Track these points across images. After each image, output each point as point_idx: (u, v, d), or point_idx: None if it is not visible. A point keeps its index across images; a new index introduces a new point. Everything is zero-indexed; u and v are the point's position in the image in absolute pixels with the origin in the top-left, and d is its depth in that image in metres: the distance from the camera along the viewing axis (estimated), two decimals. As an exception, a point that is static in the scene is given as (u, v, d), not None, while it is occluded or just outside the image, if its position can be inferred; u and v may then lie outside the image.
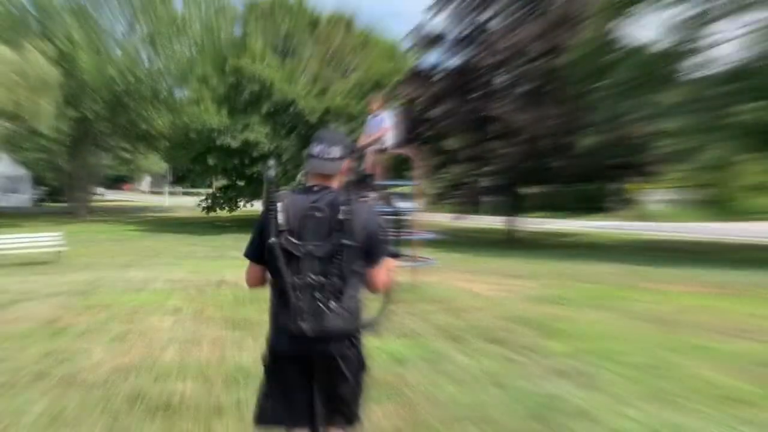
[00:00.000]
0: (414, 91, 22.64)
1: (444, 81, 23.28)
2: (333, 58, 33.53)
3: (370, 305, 2.79)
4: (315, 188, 2.71)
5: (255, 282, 2.85)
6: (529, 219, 25.81)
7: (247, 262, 2.79)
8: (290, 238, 2.58)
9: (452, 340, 6.21)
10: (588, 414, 4.13)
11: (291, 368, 2.68)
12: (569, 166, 21.72)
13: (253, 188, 31.81)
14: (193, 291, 9.21)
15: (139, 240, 24.80)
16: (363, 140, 9.30)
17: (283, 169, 30.31)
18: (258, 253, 2.69)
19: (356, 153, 9.14)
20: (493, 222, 28.10)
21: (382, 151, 9.37)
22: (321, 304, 2.53)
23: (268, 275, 2.69)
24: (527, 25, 21.74)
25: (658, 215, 35.84)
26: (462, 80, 23.00)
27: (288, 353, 2.65)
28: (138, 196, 65.85)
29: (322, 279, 2.54)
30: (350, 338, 2.64)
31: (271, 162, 3.32)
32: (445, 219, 26.07)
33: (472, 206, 23.72)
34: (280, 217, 2.59)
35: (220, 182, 38.53)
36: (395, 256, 3.02)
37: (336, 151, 2.74)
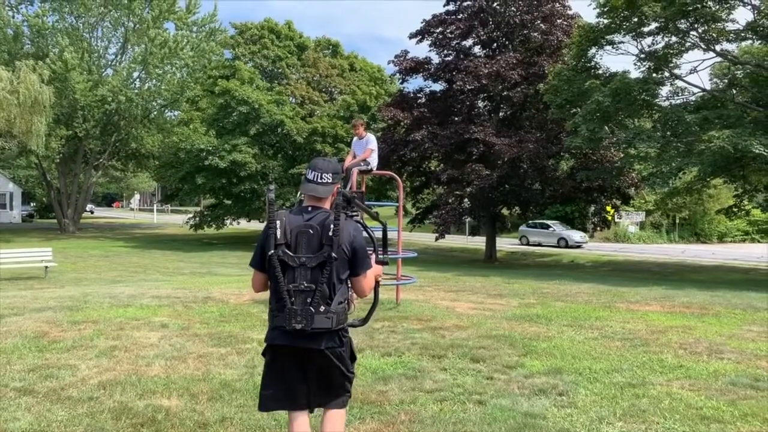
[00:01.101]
0: (397, 114, 23.03)
1: (427, 105, 23.75)
2: (320, 81, 33.94)
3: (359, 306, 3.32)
4: (309, 208, 3.09)
5: (259, 287, 3.19)
6: (509, 239, 26.05)
7: (252, 271, 3.15)
8: (286, 250, 2.94)
9: (435, 359, 6.32)
10: (567, 432, 4.23)
11: (287, 361, 3.03)
12: (547, 188, 22.19)
13: (240, 207, 32.00)
14: (179, 307, 9.30)
15: (127, 256, 24.79)
16: (348, 161, 9.47)
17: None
18: (261, 264, 3.05)
19: (342, 173, 9.25)
20: (474, 241, 28.30)
21: (367, 171, 9.54)
22: (312, 308, 2.88)
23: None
24: (508, 52, 22.35)
25: (631, 237, 36.28)
26: (444, 105, 23.48)
27: (284, 348, 2.99)
28: (127, 214, 65.67)
29: (313, 286, 2.90)
30: (338, 336, 3.02)
31: (272, 186, 3.64)
32: (426, 238, 26.25)
33: (453, 226, 24.02)
34: (278, 233, 2.96)
35: (208, 201, 38.61)
36: (383, 263, 3.52)
37: (328, 177, 3.10)
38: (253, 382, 5.29)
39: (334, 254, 2.90)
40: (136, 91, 33.40)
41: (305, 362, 3.00)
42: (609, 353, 6.70)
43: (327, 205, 3.12)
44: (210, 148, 29.17)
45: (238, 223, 36.08)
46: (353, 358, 3.19)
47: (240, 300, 10.17)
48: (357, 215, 3.91)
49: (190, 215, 35.28)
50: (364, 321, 3.39)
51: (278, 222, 2.98)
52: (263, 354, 3.10)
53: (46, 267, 16.56)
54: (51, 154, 32.29)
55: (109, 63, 36.10)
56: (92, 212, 60.12)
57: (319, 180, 3.08)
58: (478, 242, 26.92)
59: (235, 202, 32.22)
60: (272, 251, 2.92)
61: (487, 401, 4.88)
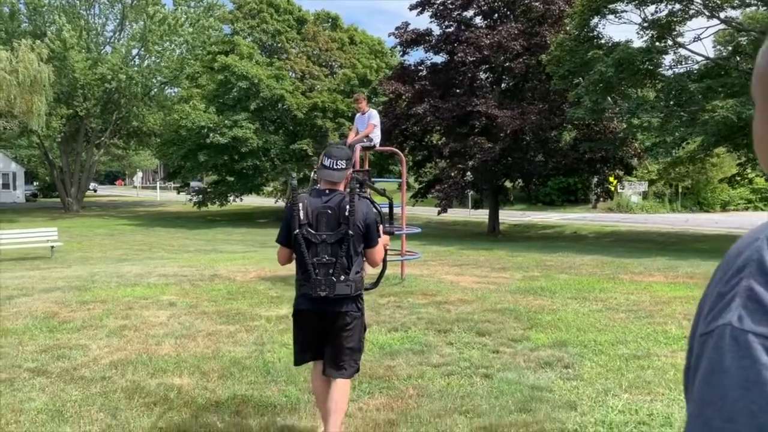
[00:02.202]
0: (399, 88, 22.87)
1: (428, 77, 23.55)
2: (320, 55, 33.67)
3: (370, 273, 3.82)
4: (326, 191, 3.59)
5: (285, 260, 3.75)
6: (512, 211, 26.01)
7: (278, 246, 3.71)
8: (309, 229, 3.47)
9: (441, 333, 6.39)
10: (574, 405, 4.27)
11: (312, 323, 3.58)
12: (550, 160, 22.10)
13: (242, 184, 31.96)
14: (187, 285, 9.38)
15: (131, 234, 24.89)
16: (351, 137, 9.45)
17: (271, 164, 30.41)
18: (287, 240, 3.58)
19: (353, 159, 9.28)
20: (476, 215, 28.32)
21: (370, 147, 9.53)
22: (334, 278, 3.43)
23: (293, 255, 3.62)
24: (509, 23, 22.09)
25: (634, 207, 36.27)
26: (446, 77, 23.29)
27: (310, 313, 3.54)
28: (130, 192, 65.73)
29: (333, 259, 3.45)
30: (355, 302, 3.57)
31: (294, 174, 3.94)
32: (429, 212, 26.27)
33: (456, 199, 24.02)
34: (302, 214, 3.47)
35: (211, 177, 38.59)
36: (390, 233, 4.18)
37: (342, 163, 3.61)
38: (263, 359, 5.37)
39: (350, 231, 3.44)
40: (135, 68, 33.21)
41: (327, 324, 3.54)
42: (613, 325, 6.76)
43: (341, 188, 3.63)
44: (211, 125, 29.07)
45: (241, 200, 36.10)
46: (364, 327, 3.72)
47: (246, 277, 10.24)
48: (366, 193, 4.27)
49: (194, 192, 35.33)
50: (375, 285, 4.10)
51: (301, 204, 3.49)
52: (293, 316, 3.68)
53: (52, 247, 16.65)
54: (52, 133, 32.25)
55: (108, 40, 35.85)
56: (95, 190, 60.22)
57: (334, 166, 3.58)
58: (481, 215, 26.93)
59: (237, 179, 32.21)
60: (297, 230, 3.46)
61: (494, 375, 4.95)
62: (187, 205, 37.96)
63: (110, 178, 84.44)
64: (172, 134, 32.70)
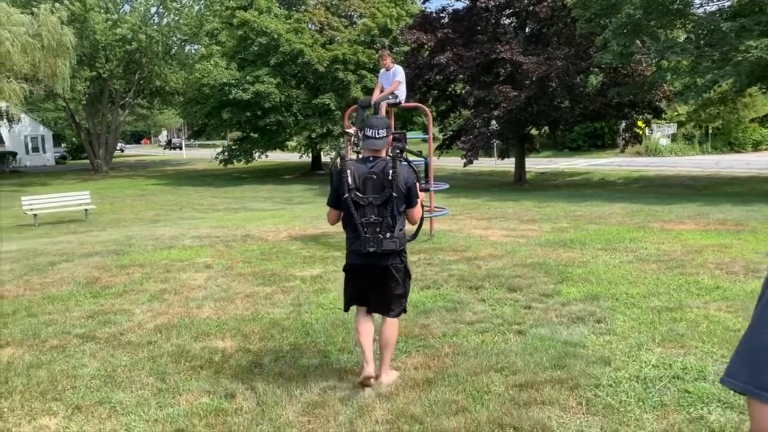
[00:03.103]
0: (421, 37, 22.47)
1: (450, 25, 23.06)
2: (338, 5, 33.10)
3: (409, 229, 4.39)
4: (370, 158, 4.05)
5: (335, 220, 4.19)
6: (538, 159, 25.64)
7: (327, 208, 4.20)
8: (357, 193, 3.92)
9: (472, 290, 6.43)
10: (607, 360, 4.33)
11: (362, 276, 4.08)
12: (577, 106, 21.68)
13: (267, 140, 32.05)
14: (221, 246, 9.58)
15: (161, 194, 25.32)
16: (376, 94, 9.41)
17: (294, 119, 30.37)
18: (336, 203, 4.03)
19: (371, 107, 9.29)
20: (502, 164, 28.12)
21: (395, 104, 9.49)
22: (380, 235, 3.90)
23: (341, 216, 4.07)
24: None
25: (663, 149, 35.61)
26: (468, 24, 22.78)
27: (360, 266, 4.05)
28: (157, 150, 66.36)
29: (380, 218, 3.92)
30: (399, 255, 4.05)
31: (342, 143, 4.55)
32: (454, 163, 26.13)
33: (482, 150, 23.81)
34: (350, 180, 3.92)
35: (235, 134, 38.72)
36: (426, 190, 5.15)
37: (382, 132, 4.04)
38: (301, 320, 5.53)
39: (394, 193, 3.89)
40: (155, 27, 33.06)
41: (375, 276, 4.03)
42: (645, 277, 6.78)
43: (383, 154, 4.07)
44: (233, 81, 29.04)
45: (267, 156, 36.25)
46: (409, 275, 4.20)
47: (278, 237, 10.42)
48: (404, 146, 5.46)
49: (219, 150, 35.55)
50: (414, 237, 4.65)
51: (348, 171, 3.93)
52: (344, 269, 4.18)
53: (86, 210, 17.05)
54: (77, 96, 32.51)
55: (127, 1, 35.67)
56: (122, 150, 60.89)
57: (376, 135, 4.01)
58: (507, 164, 26.74)
59: (261, 136, 32.29)
60: (346, 195, 3.90)
61: (527, 331, 5.04)
62: (213, 163, 38.30)
63: (136, 138, 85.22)
64: (194, 92, 32.76)
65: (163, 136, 64.94)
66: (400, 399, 3.86)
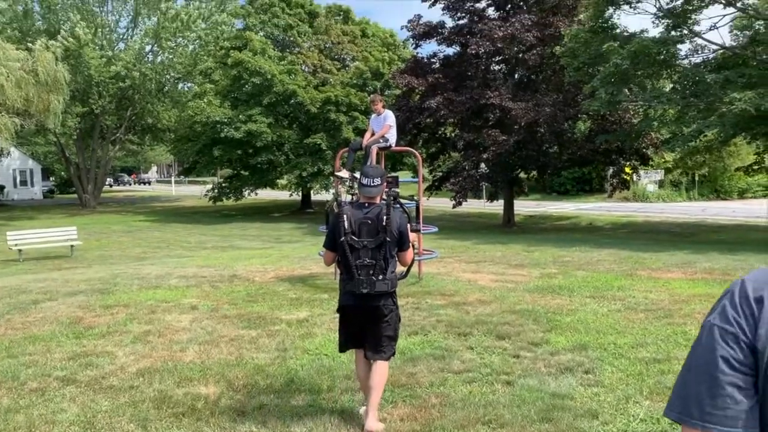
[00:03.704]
0: (412, 81, 22.84)
1: (441, 70, 23.49)
2: (332, 48, 33.64)
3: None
4: (366, 204, 4.27)
5: (330, 262, 4.48)
6: (526, 201, 25.85)
7: (324, 250, 4.43)
8: (353, 237, 4.13)
9: (461, 337, 6.39)
10: (596, 413, 4.29)
11: (355, 317, 4.25)
12: (565, 151, 22.00)
13: (257, 178, 32.13)
14: (207, 287, 9.50)
15: (149, 231, 25.16)
16: (367, 138, 9.49)
17: (285, 158, 30.53)
18: (333, 245, 4.25)
19: (362, 150, 9.36)
20: (491, 206, 28.28)
21: (386, 148, 9.57)
22: (374, 277, 4.09)
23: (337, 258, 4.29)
24: (522, 14, 21.93)
25: (650, 195, 36.02)
26: (459, 69, 23.22)
27: (353, 306, 4.22)
28: (145, 186, 66.26)
29: (373, 261, 4.11)
30: (391, 297, 4.24)
31: (345, 176, 5.71)
32: (443, 204, 26.26)
33: (471, 192, 24.01)
34: (346, 224, 4.13)
35: (225, 171, 38.81)
36: (416, 231, 5.36)
37: (377, 180, 4.29)
38: (286, 366, 5.45)
39: (388, 238, 4.11)
40: (149, 65, 33.37)
41: (367, 317, 4.19)
42: (633, 326, 6.76)
43: (378, 200, 4.30)
44: (225, 120, 29.24)
45: (256, 194, 36.29)
46: (398, 317, 4.38)
47: (265, 278, 10.35)
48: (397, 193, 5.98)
49: (209, 187, 35.58)
50: (404, 276, 4.73)
51: (345, 216, 4.16)
52: (337, 310, 4.36)
53: (72, 246, 16.90)
54: (68, 131, 32.56)
55: (121, 37, 36.06)
56: (111, 185, 60.73)
57: (371, 184, 4.26)
58: (496, 207, 26.91)
59: (252, 174, 32.39)
60: (342, 238, 4.12)
61: (515, 381, 4.99)
62: (203, 200, 38.26)
63: (126, 173, 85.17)
64: (186, 130, 32.93)
65: (154, 173, 64.95)
66: (386, 452, 3.79)
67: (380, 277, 4.09)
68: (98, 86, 31.78)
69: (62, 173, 54.25)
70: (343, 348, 4.44)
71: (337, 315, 4.43)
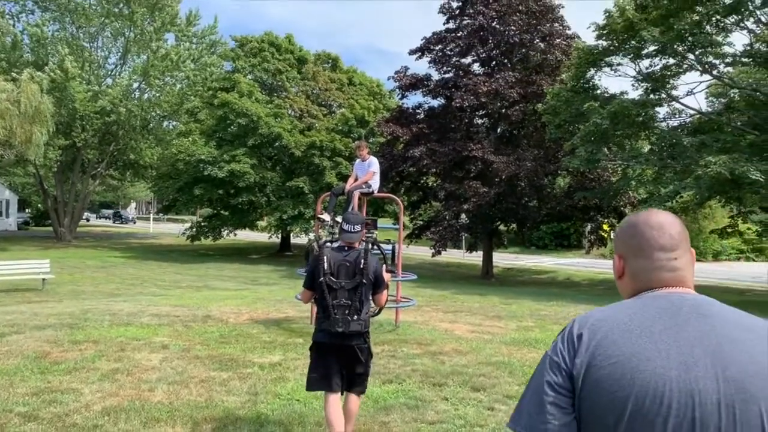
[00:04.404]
0: (396, 130, 23.19)
1: (425, 121, 23.92)
2: (319, 94, 34.10)
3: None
4: (345, 248, 4.54)
5: (307, 300, 4.73)
6: (505, 254, 26.01)
7: (303, 289, 4.65)
8: (331, 278, 4.36)
9: (435, 387, 6.32)
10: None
11: (329, 354, 4.38)
12: (544, 206, 22.31)
13: (237, 218, 31.95)
14: (179, 326, 9.32)
15: (123, 267, 24.79)
16: (350, 183, 9.54)
17: (267, 200, 30.52)
18: (311, 285, 4.46)
19: (344, 195, 9.41)
20: (470, 257, 28.34)
21: (368, 194, 9.62)
22: (349, 317, 4.28)
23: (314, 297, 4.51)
24: (506, 71, 22.53)
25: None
26: (443, 121, 23.66)
27: (327, 345, 4.36)
28: (129, 225, 65.58)
29: (349, 302, 4.33)
30: (363, 337, 4.41)
31: (327, 219, 6.39)
32: (423, 252, 26.29)
33: (451, 242, 24.14)
34: (326, 265, 4.38)
35: (205, 210, 38.66)
36: (391, 272, 5.63)
37: (357, 227, 4.57)
38: (257, 410, 5.33)
39: (364, 281, 4.35)
40: (135, 101, 33.45)
41: (340, 355, 4.36)
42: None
43: (357, 245, 4.59)
44: (209, 159, 29.25)
45: (235, 235, 36.05)
46: (371, 354, 4.56)
47: (239, 319, 10.20)
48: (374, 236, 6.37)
49: (187, 225, 35.32)
50: (377, 314, 5.15)
51: (325, 258, 4.41)
52: (310, 349, 4.50)
53: (44, 279, 16.57)
54: (48, 163, 32.29)
55: (109, 73, 36.21)
56: (88, 220, 60.03)
57: (352, 230, 4.54)
58: (475, 258, 27.01)
59: (232, 214, 32.25)
60: (321, 278, 4.35)
61: (489, 434, 4.93)
62: (180, 239, 37.94)
63: (104, 208, 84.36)
64: (168, 167, 32.86)
65: (132, 209, 64.42)
66: (354, 502, 3.69)
67: (355, 317, 4.30)
68: (82, 120, 31.72)
69: (39, 205, 53.55)
70: (310, 387, 4.46)
71: (310, 354, 4.56)
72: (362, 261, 4.38)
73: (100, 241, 39.47)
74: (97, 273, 22.08)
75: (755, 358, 1.32)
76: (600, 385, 1.34)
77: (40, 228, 51.52)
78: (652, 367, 1.32)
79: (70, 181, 37.36)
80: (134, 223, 58.92)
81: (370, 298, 4.49)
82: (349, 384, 4.43)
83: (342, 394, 4.43)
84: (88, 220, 59.62)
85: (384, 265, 4.96)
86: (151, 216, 59.01)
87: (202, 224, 33.95)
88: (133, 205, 66.01)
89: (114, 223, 33.20)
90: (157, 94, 34.20)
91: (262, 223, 35.12)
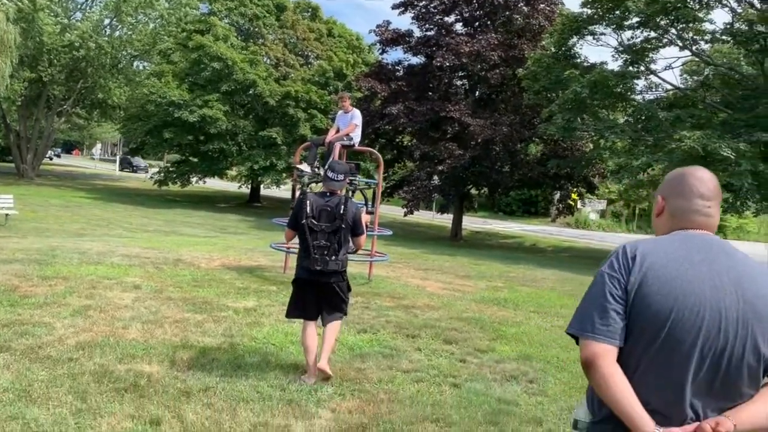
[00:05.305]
0: (375, 86, 22.91)
1: (404, 78, 23.66)
2: (296, 44, 33.42)
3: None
4: (327, 194, 4.90)
5: (290, 239, 5.16)
6: (474, 218, 26.22)
7: (286, 229, 5.12)
8: (313, 221, 4.75)
9: (409, 338, 6.42)
10: (540, 421, 4.36)
11: (307, 288, 4.85)
12: (516, 171, 22.44)
13: (207, 166, 31.38)
14: (150, 268, 9.25)
15: (88, 208, 24.33)
16: (331, 134, 9.45)
17: (238, 149, 30.09)
18: (294, 225, 4.86)
19: (323, 146, 9.33)
20: (439, 218, 28.54)
21: (349, 146, 9.55)
22: (327, 257, 4.71)
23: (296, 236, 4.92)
24: (489, 33, 22.31)
25: (591, 224, 37.12)
26: (422, 80, 23.44)
27: (306, 281, 4.82)
28: (88, 163, 64.01)
29: (328, 244, 4.73)
30: (341, 275, 4.87)
31: (306, 170, 7.00)
32: (394, 212, 26.38)
33: (423, 202, 24.21)
34: (308, 209, 4.75)
35: (173, 156, 37.96)
36: (370, 213, 6.36)
37: (341, 176, 4.94)
38: (233, 352, 5.35)
39: (343, 225, 4.74)
40: (106, 38, 32.30)
41: (319, 290, 4.82)
42: (575, 344, 6.92)
43: (339, 192, 4.94)
44: (181, 102, 28.56)
45: (204, 183, 35.54)
46: (349, 289, 5.06)
47: (211, 265, 10.15)
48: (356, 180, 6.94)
49: (155, 170, 34.69)
50: (354, 252, 5.23)
51: (308, 201, 4.78)
52: (293, 283, 4.95)
53: (7, 215, 16.17)
54: (12, 96, 31.17)
55: (79, 6, 34.84)
56: (51, 158, 58.46)
57: (336, 178, 4.90)
58: (444, 220, 27.20)
59: (201, 161, 31.67)
60: (304, 220, 4.74)
61: (462, 384, 5.04)
62: (147, 183, 37.28)
63: (67, 148, 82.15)
64: (137, 109, 32.02)
65: (97, 150, 62.85)
66: (334, 442, 3.76)
67: (333, 257, 4.71)
68: (50, 53, 30.57)
69: (1, 141, 51.86)
70: (289, 315, 4.97)
71: (292, 287, 5.01)
72: (342, 207, 4.74)
73: (63, 181, 38.52)
74: (62, 212, 21.61)
75: (763, 291, 1.74)
76: (649, 299, 1.71)
77: (1, 164, 50.03)
78: (692, 288, 1.71)
79: (34, 117, 36.15)
80: (146, 173, 50.30)
81: (350, 240, 4.84)
82: (330, 313, 4.88)
83: (321, 324, 4.90)
84: (51, 158, 58.05)
85: (364, 207, 5.49)
86: (117, 158, 57.71)
87: (171, 170, 33.36)
88: (99, 145, 64.42)
89: (122, 171, 31.53)
90: (129, 32, 33.05)
91: (231, 172, 34.66)
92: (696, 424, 1.68)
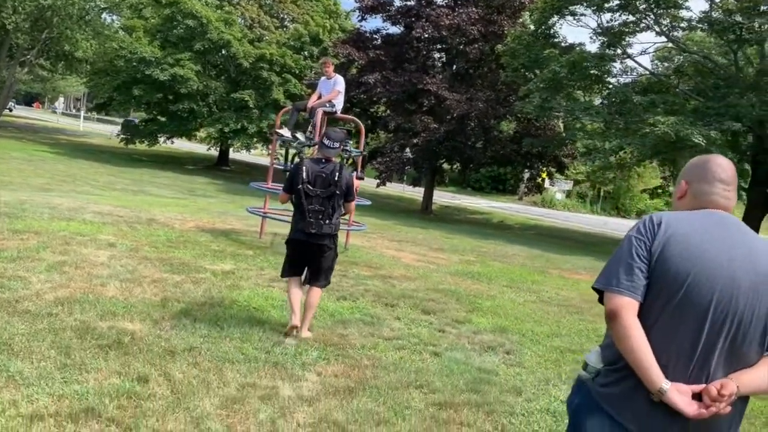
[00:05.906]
0: (353, 53, 22.65)
1: (382, 47, 23.43)
2: (272, 5, 32.74)
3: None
4: (323, 161, 5.11)
5: (284, 201, 5.39)
6: (444, 192, 26.29)
7: (281, 192, 5.32)
8: (308, 186, 4.96)
9: (388, 307, 6.49)
10: (519, 391, 4.49)
11: (300, 250, 5.10)
12: (489, 148, 22.56)
13: (175, 125, 30.68)
14: (124, 226, 9.11)
15: (52, 162, 23.73)
16: (313, 100, 9.36)
17: (208, 110, 29.55)
18: (290, 189, 5.06)
19: (306, 111, 9.24)
20: (411, 192, 28.63)
21: (331, 113, 9.48)
22: (321, 221, 4.93)
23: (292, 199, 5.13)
24: (469, 6, 22.17)
25: (557, 203, 37.74)
26: (400, 50, 23.24)
27: (301, 242, 5.04)
28: (50, 117, 62.16)
29: (322, 208, 4.94)
30: (333, 238, 5.10)
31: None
32: (366, 183, 26.33)
33: (396, 174, 24.21)
34: (304, 174, 4.97)
35: (140, 114, 37.07)
36: (360, 178, 6.50)
37: (336, 145, 5.14)
38: (214, 314, 5.33)
39: (337, 191, 4.96)
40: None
41: (310, 251, 5.05)
42: (548, 317, 7.10)
43: (334, 159, 5.17)
44: (152, 59, 27.79)
45: (172, 143, 34.84)
46: (336, 255, 5.29)
47: (185, 226, 10.03)
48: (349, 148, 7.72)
49: (119, 127, 33.82)
50: (343, 214, 5.36)
51: (304, 167, 5.01)
52: (286, 243, 5.20)
53: (-31, 165, 15.66)
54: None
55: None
56: (11, 110, 56.56)
57: (331, 146, 5.11)
58: (415, 193, 27.28)
59: (170, 120, 30.95)
60: (300, 185, 4.94)
61: (442, 353, 5.13)
62: (112, 140, 36.44)
63: (27, 100, 79.46)
64: (106, 63, 31.08)
65: (60, 103, 60.94)
66: (321, 404, 3.81)
67: (327, 221, 4.94)
68: (14, 0, 29.36)
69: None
70: (284, 274, 5.21)
71: (286, 247, 5.26)
72: (336, 174, 4.97)
73: (25, 134, 37.37)
74: (24, 166, 21.01)
75: None
76: (670, 261, 1.89)
77: (-42, 113, 48.19)
78: (709, 256, 1.89)
79: (-5, 66, 34.86)
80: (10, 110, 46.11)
81: (341, 205, 5.06)
82: (315, 277, 5.11)
83: (306, 284, 5.16)
84: (11, 110, 56.18)
85: (354, 173, 5.57)
86: (82, 113, 56.13)
87: (139, 127, 32.60)
88: (62, 99, 62.48)
89: (124, 134, 30.01)
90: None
91: (201, 134, 34.03)
92: (702, 385, 1.84)
